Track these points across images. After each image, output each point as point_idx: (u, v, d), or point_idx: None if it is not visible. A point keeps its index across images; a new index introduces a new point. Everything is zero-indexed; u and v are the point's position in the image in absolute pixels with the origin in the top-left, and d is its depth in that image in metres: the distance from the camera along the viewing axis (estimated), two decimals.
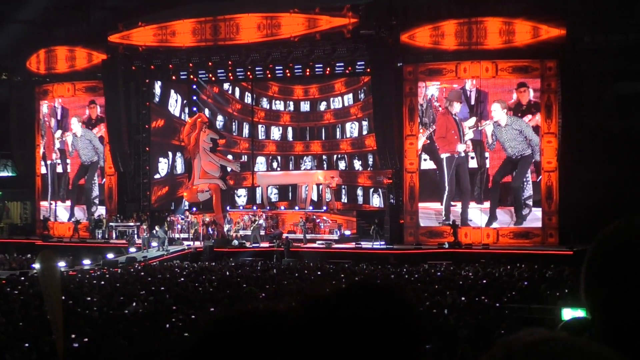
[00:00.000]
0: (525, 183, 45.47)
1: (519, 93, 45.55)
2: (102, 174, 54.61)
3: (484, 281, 29.98)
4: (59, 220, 55.38)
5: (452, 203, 46.42)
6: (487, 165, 45.90)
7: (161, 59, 52.81)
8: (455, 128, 46.47)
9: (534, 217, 45.25)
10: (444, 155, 46.59)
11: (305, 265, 39.12)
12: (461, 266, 37.65)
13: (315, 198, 55.03)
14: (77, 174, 55.19)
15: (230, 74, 55.50)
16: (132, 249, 46.83)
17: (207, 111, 57.77)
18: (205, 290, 27.39)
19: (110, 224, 51.80)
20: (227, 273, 34.56)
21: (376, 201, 53.86)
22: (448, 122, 46.63)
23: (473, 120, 46.06)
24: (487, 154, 45.93)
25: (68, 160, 55.37)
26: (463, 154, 46.28)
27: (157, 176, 55.80)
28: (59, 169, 55.72)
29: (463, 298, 24.25)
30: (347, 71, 52.94)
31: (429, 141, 46.93)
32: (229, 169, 57.71)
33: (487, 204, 45.73)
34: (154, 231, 48.03)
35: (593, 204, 42.36)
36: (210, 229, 50.46)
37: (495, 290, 26.76)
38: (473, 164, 46.25)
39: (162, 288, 27.82)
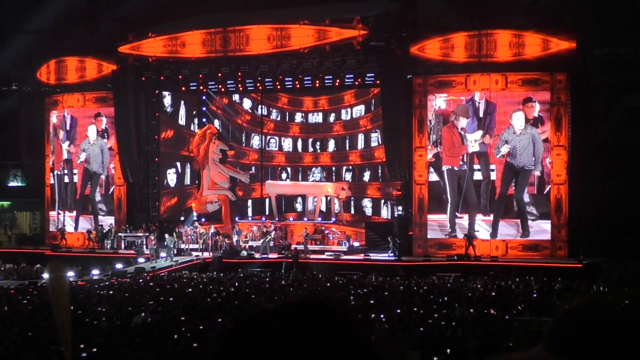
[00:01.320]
0: (524, 195, 45.52)
1: (526, 108, 45.50)
2: (104, 186, 54.67)
3: (493, 294, 29.92)
4: (67, 230, 55.38)
5: (458, 215, 46.36)
6: (493, 177, 45.86)
7: (171, 69, 52.86)
8: (460, 142, 46.44)
9: (539, 229, 45.16)
10: (445, 168, 46.61)
11: (314, 277, 39.07)
12: (470, 278, 37.59)
13: (324, 209, 55.01)
14: (82, 182, 55.26)
15: (239, 85, 55.57)
16: (141, 259, 46.85)
17: (216, 122, 57.82)
18: (213, 301, 27.38)
19: (119, 234, 51.82)
20: (236, 284, 34.55)
21: (385, 213, 53.82)
22: (453, 135, 46.59)
23: (479, 133, 45.99)
24: (493, 166, 45.86)
25: (75, 171, 55.42)
26: (465, 167, 46.22)
27: (166, 187, 55.84)
28: (66, 179, 55.76)
29: (472, 310, 24.18)
30: (357, 83, 52.95)
31: (434, 159, 46.90)
32: (238, 180, 57.73)
33: (491, 217, 45.72)
34: (165, 240, 48.02)
35: (602, 216, 42.39)
36: (217, 239, 50.39)
37: (504, 302, 26.68)
38: (478, 175, 46.20)
39: (171, 299, 27.83)
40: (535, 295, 29.16)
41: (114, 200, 54.35)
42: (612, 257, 40.14)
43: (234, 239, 50.89)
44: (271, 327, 2.15)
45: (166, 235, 48.21)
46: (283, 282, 35.70)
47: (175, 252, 47.95)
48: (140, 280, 37.84)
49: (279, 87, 55.16)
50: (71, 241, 54.15)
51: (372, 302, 26.52)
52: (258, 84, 54.91)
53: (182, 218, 55.71)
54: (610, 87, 47.17)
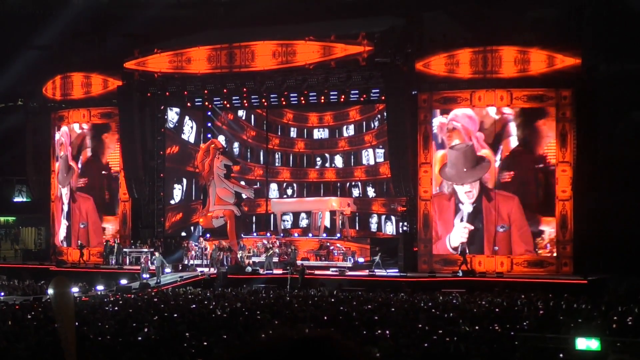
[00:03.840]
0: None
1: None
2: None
3: (497, 310, 29.85)
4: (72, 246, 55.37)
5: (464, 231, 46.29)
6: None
7: (176, 85, 52.89)
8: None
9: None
10: (457, 188, 46.57)
11: (321, 293, 39.04)
12: (475, 294, 37.52)
13: (328, 225, 55.00)
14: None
15: (245, 101, 55.67)
16: (145, 275, 46.78)
17: (221, 138, 57.87)
18: (218, 317, 27.34)
19: (124, 249, 51.80)
20: (241, 300, 34.49)
21: (390, 229, 53.80)
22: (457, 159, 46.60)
23: (487, 151, 45.94)
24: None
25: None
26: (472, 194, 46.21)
27: (171, 202, 55.88)
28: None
29: (477, 327, 24.13)
30: (362, 99, 52.99)
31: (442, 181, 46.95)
32: (243, 196, 57.75)
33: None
34: (153, 257, 47.72)
35: (608, 233, 42.31)
36: (219, 253, 50.37)
37: (509, 318, 26.62)
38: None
39: (175, 314, 27.79)
40: (541, 311, 29.10)
41: (119, 215, 54.26)
42: (617, 273, 40.09)
43: (239, 255, 50.88)
44: None
45: (156, 254, 47.93)
46: (288, 298, 35.64)
47: (168, 270, 47.62)
48: (145, 296, 37.81)
49: (284, 102, 55.21)
50: (76, 257, 54.01)
51: (376, 318, 26.48)
52: (263, 100, 54.99)
53: (183, 234, 55.69)
54: (615, 103, 47.18)
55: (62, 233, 56.03)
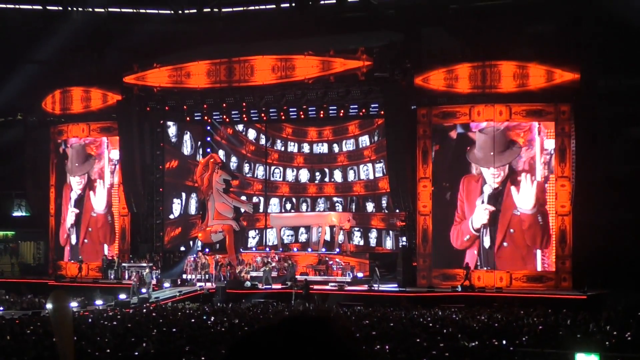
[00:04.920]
0: None
1: None
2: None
3: (497, 325, 29.83)
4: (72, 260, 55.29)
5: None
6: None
7: (176, 100, 52.86)
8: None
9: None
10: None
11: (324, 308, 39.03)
12: (474, 309, 37.48)
13: (328, 240, 54.97)
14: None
15: (244, 116, 55.69)
16: (143, 290, 46.66)
17: (221, 152, 57.92)
18: (217, 332, 27.30)
19: (123, 264, 51.73)
20: (240, 314, 34.47)
21: (389, 244, 53.78)
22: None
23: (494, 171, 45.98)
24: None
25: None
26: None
27: (170, 217, 55.85)
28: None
29: (476, 342, 24.09)
30: (361, 113, 53.04)
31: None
32: (242, 210, 57.74)
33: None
34: (144, 274, 47.46)
35: (607, 248, 42.27)
36: (219, 268, 50.33)
37: (508, 334, 26.60)
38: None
39: (174, 329, 27.75)
40: (540, 327, 29.07)
41: (117, 230, 54.18)
42: (617, 288, 40.07)
43: (237, 269, 50.86)
44: (271, 340, 2.25)
45: (145, 271, 47.73)
46: (286, 312, 35.60)
47: (144, 290, 47.27)
48: (144, 311, 37.78)
49: (283, 117, 55.24)
50: (74, 271, 53.96)
51: (374, 333, 26.44)
52: (262, 114, 54.99)
53: (182, 249, 55.68)
54: (614, 118, 47.20)
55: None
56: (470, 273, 44.63)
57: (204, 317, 33.12)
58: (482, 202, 46.10)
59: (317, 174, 57.01)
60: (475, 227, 46.00)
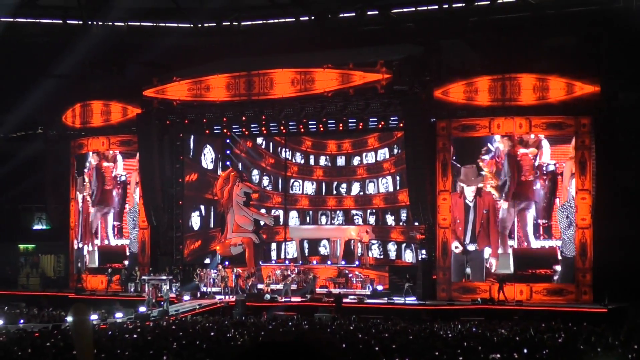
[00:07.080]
0: None
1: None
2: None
3: (517, 338, 29.71)
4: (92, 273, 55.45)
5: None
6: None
7: (195, 113, 52.96)
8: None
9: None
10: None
11: (342, 321, 38.94)
12: (494, 322, 37.36)
13: (347, 252, 54.89)
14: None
15: (263, 129, 55.74)
16: (162, 302, 46.59)
17: (240, 165, 57.98)
18: (236, 345, 27.28)
19: (143, 277, 51.76)
20: (260, 327, 34.45)
21: (409, 256, 53.68)
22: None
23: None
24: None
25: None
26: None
27: (190, 230, 55.93)
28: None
29: (498, 355, 24.00)
30: (380, 126, 53.02)
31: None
32: (262, 223, 57.79)
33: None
34: (163, 288, 47.38)
35: (628, 261, 42.08)
36: (239, 281, 50.36)
37: (529, 347, 26.48)
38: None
39: (194, 342, 27.74)
40: (560, 340, 28.95)
41: (137, 243, 54.32)
42: (637, 302, 39.86)
43: (255, 281, 50.96)
44: None
45: (165, 286, 47.59)
46: (307, 326, 35.57)
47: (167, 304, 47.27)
48: (164, 324, 37.82)
49: (302, 130, 55.29)
50: (95, 284, 54.16)
51: (394, 346, 26.37)
52: (282, 127, 55.03)
53: (207, 261, 55.73)
54: (634, 131, 47.03)
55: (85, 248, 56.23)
56: (504, 286, 44.39)
57: (224, 330, 33.11)
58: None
59: (339, 186, 56.93)
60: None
